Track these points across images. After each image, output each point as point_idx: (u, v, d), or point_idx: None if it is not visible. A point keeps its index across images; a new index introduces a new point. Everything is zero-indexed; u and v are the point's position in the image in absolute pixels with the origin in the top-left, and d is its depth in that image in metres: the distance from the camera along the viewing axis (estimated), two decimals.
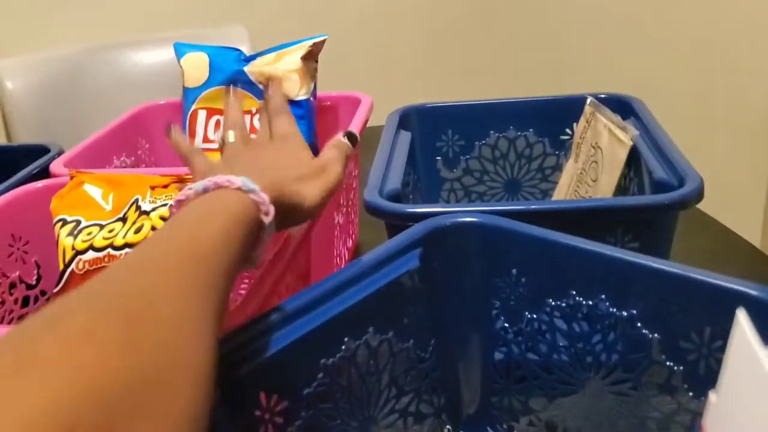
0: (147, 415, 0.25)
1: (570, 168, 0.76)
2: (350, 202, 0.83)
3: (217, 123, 0.84)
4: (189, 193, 0.40)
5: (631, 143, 0.64)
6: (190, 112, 0.84)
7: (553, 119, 0.79)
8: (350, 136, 0.54)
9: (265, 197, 0.39)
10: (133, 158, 0.85)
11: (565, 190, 0.76)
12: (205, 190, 0.39)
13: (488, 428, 0.54)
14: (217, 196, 0.39)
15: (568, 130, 0.78)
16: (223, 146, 0.52)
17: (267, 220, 0.40)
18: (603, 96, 0.74)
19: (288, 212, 0.43)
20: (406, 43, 1.67)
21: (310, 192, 0.46)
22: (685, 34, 1.60)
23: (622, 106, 0.73)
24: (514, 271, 0.50)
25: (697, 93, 1.61)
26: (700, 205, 0.56)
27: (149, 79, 1.52)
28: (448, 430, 0.53)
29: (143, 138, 0.88)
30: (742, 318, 0.24)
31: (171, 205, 0.43)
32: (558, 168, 0.80)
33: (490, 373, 0.53)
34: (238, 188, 0.39)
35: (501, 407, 0.53)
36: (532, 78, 1.66)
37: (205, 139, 0.84)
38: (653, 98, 0.79)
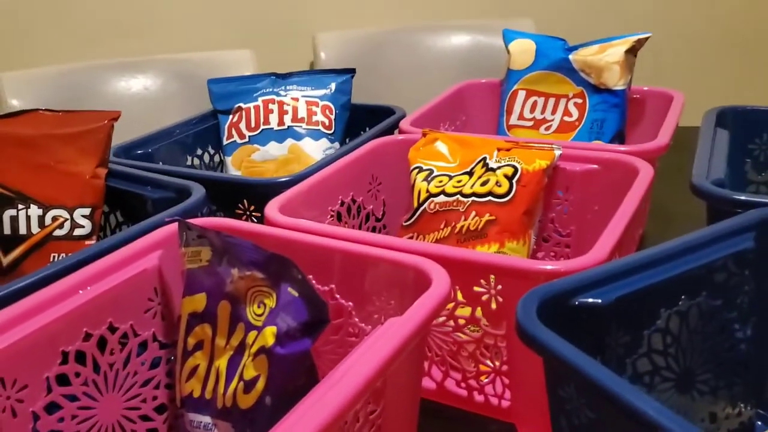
0: None
1: None
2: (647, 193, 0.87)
3: (534, 103, 0.93)
4: None
5: None
6: (510, 92, 0.94)
7: None
8: None
9: None
10: (453, 128, 0.97)
11: None
12: None
13: None
14: None
15: None
16: None
17: None
18: None
19: None
20: (719, 44, 1.63)
21: None
22: None
23: None
24: None
25: None
26: None
27: (439, 62, 1.66)
28: (752, 404, 0.57)
29: (462, 112, 1.00)
30: None
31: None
32: None
33: None
34: None
35: None
36: None
37: (521, 117, 0.94)
38: None
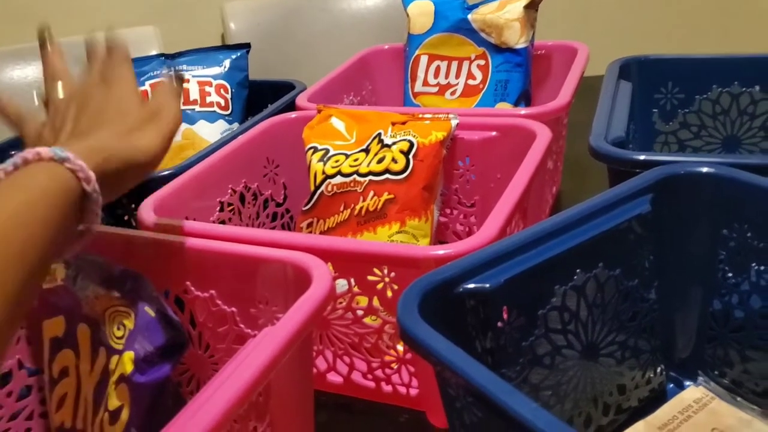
0: None
1: None
2: (559, 150, 0.85)
3: (437, 68, 0.89)
4: None
5: None
6: (413, 57, 0.90)
7: None
8: (178, 76, 0.52)
9: (81, 164, 0.38)
10: (358, 98, 0.93)
11: None
12: (15, 167, 0.37)
13: (699, 372, 0.56)
14: (25, 171, 0.37)
15: None
16: (48, 103, 0.49)
17: (89, 187, 0.38)
18: None
19: (122, 170, 0.42)
20: None
21: (145, 142, 0.44)
22: None
23: None
24: (744, 222, 0.51)
25: None
26: None
27: (352, 24, 1.60)
28: (661, 368, 0.56)
29: (368, 80, 0.96)
30: None
31: None
32: None
33: (707, 321, 0.55)
34: (51, 159, 0.37)
35: (714, 354, 0.55)
36: (760, 33, 1.55)
37: (425, 83, 0.90)
38: None
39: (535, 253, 0.47)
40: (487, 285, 0.44)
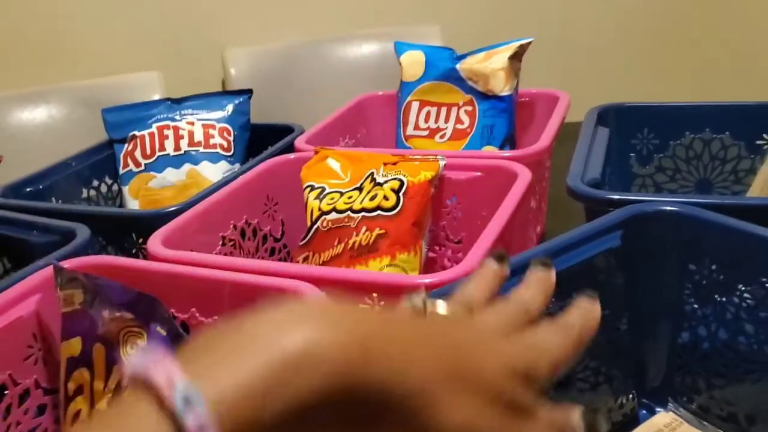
0: None
1: (764, 172, 0.78)
2: (542, 191, 0.90)
3: (428, 113, 0.94)
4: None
5: None
6: (405, 103, 0.96)
7: (751, 124, 0.81)
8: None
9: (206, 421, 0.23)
10: (354, 141, 0.98)
11: (758, 193, 0.79)
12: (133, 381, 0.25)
13: (669, 398, 0.60)
14: (127, 406, 0.24)
15: (765, 135, 0.81)
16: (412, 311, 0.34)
17: None
18: None
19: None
20: (604, 43, 1.69)
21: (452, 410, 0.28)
22: None
23: None
24: (707, 257, 0.55)
25: None
26: None
27: (351, 70, 1.67)
28: (633, 395, 0.59)
29: (362, 124, 1.01)
30: None
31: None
32: (752, 171, 0.82)
33: (677, 350, 0.59)
34: (158, 398, 0.24)
35: (683, 382, 0.59)
36: (730, 81, 1.63)
37: (416, 127, 0.95)
38: None
39: (511, 283, 0.51)
40: None
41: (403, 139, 0.95)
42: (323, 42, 1.68)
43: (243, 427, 0.24)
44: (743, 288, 0.54)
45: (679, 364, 0.59)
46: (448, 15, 1.67)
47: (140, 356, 0.25)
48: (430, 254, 0.76)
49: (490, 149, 0.91)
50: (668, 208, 0.56)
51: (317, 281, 0.53)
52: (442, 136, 0.93)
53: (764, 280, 0.52)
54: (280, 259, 0.79)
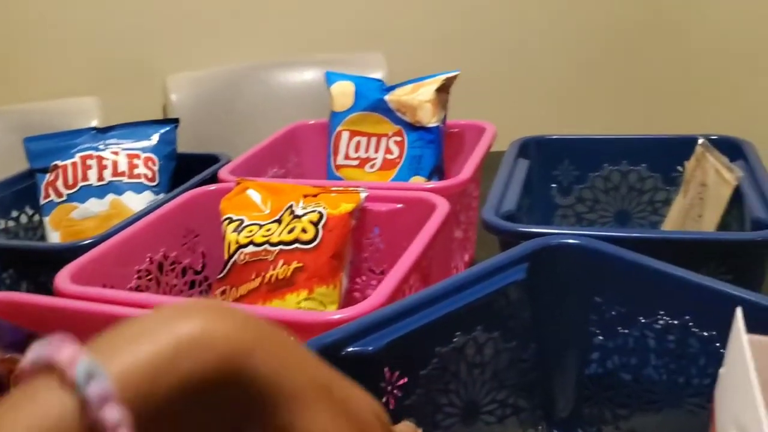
0: None
1: (679, 203, 0.81)
2: (469, 220, 0.91)
3: (358, 143, 0.95)
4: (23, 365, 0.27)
5: (735, 183, 0.69)
6: (335, 133, 0.96)
7: (666, 156, 0.84)
8: None
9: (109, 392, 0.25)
10: (284, 170, 0.98)
11: (672, 223, 0.81)
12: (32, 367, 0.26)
13: (578, 430, 0.61)
14: (31, 387, 0.26)
15: (679, 168, 0.83)
16: None
17: None
18: (715, 137, 0.79)
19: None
20: (531, 76, 1.74)
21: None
22: None
23: (733, 148, 0.78)
24: (609, 290, 0.57)
25: None
26: None
27: (294, 97, 1.67)
28: (542, 426, 0.60)
29: (293, 153, 1.01)
30: (738, 315, 0.35)
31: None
32: (668, 202, 0.84)
33: (584, 381, 0.60)
34: (61, 375, 0.25)
35: (591, 413, 0.60)
36: (649, 114, 1.68)
37: (347, 157, 0.96)
38: None
39: (418, 317, 0.52)
40: (370, 348, 0.49)
41: (334, 169, 0.96)
42: (267, 67, 1.68)
43: (140, 400, 0.26)
44: (644, 321, 0.55)
45: (587, 395, 0.60)
46: (392, 43, 1.69)
47: (42, 345, 0.27)
48: (353, 285, 0.76)
49: (418, 179, 0.92)
50: (571, 241, 0.57)
51: None
52: (372, 166, 0.94)
53: (662, 312, 0.54)
54: (200, 292, 0.78)
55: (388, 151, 0.93)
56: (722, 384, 0.37)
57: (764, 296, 0.47)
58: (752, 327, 0.48)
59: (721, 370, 0.37)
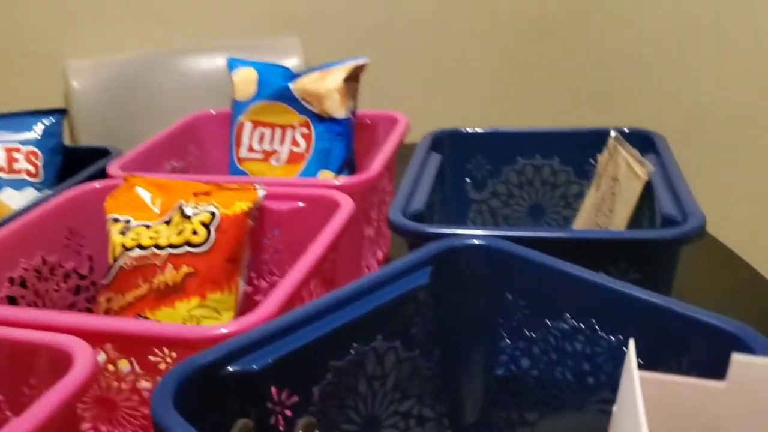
0: None
1: (591, 197, 0.79)
2: (382, 217, 0.87)
3: (261, 135, 0.90)
4: None
5: (646, 178, 0.67)
6: (237, 124, 0.90)
7: (579, 149, 0.82)
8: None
9: None
10: (183, 164, 0.92)
11: (585, 218, 0.79)
12: None
13: None
14: None
15: (592, 161, 0.82)
16: None
17: None
18: (627, 130, 0.78)
19: None
20: (446, 66, 1.71)
21: None
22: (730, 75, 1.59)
23: (645, 142, 0.76)
24: (516, 292, 0.54)
25: (730, 133, 1.59)
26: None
27: (204, 85, 1.59)
28: None
29: (194, 145, 0.95)
30: (631, 347, 0.33)
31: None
32: (581, 196, 0.83)
33: (492, 386, 0.57)
34: None
35: (500, 418, 0.57)
36: (562, 107, 1.68)
37: (250, 149, 0.90)
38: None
39: (309, 329, 0.47)
40: (254, 366, 0.44)
41: (237, 162, 0.90)
42: (175, 54, 1.60)
43: None
44: (550, 323, 0.52)
45: (495, 400, 0.57)
46: (308, 27, 1.64)
47: None
48: (252, 289, 0.71)
49: (327, 174, 0.87)
50: (477, 242, 0.54)
51: (96, 336, 0.47)
52: (277, 159, 0.89)
53: (568, 315, 0.51)
54: (87, 299, 0.72)
55: (294, 143, 0.88)
56: (614, 423, 0.34)
57: (669, 299, 0.45)
58: (658, 332, 0.46)
59: (614, 408, 0.34)
